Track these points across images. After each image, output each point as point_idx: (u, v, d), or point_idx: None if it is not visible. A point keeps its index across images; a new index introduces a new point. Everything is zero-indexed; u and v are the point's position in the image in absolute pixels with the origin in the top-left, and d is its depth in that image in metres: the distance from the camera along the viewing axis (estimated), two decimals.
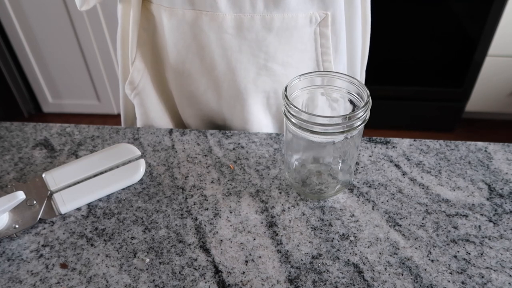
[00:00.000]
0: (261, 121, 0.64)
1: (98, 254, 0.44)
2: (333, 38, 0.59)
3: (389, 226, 0.46)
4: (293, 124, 0.42)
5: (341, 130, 0.41)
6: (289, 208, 0.48)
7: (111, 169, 0.51)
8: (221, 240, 0.45)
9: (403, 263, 0.42)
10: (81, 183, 0.49)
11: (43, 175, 0.49)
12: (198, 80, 0.61)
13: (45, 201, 0.48)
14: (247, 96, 0.61)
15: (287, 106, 0.42)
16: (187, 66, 0.60)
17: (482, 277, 0.41)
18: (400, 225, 0.46)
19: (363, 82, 0.71)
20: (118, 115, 1.98)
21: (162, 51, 0.62)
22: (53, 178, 0.49)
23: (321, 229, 0.46)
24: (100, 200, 0.50)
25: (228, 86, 0.60)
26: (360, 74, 0.69)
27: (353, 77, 0.45)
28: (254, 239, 0.45)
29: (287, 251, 0.44)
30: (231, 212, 0.48)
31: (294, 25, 0.55)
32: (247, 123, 0.63)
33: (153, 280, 0.42)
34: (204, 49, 0.57)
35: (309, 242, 0.45)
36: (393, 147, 0.55)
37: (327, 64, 0.60)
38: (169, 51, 0.60)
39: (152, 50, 0.63)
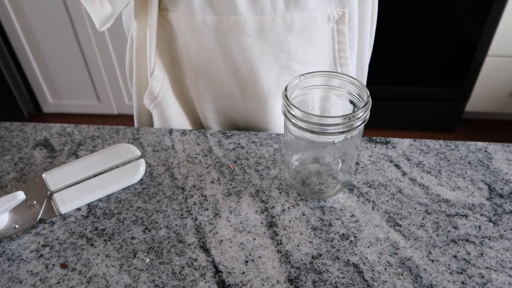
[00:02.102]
0: (283, 121, 0.64)
1: (98, 254, 0.44)
2: (349, 35, 0.60)
3: (389, 226, 0.46)
4: (293, 124, 0.42)
5: (341, 130, 0.41)
6: (289, 208, 0.48)
7: (111, 169, 0.51)
8: (221, 240, 0.45)
9: (403, 263, 0.42)
10: (81, 183, 0.49)
11: (43, 175, 0.49)
12: (222, 84, 0.62)
13: (45, 201, 0.48)
14: (270, 97, 0.61)
15: (287, 106, 0.42)
16: (209, 71, 0.60)
17: (482, 277, 0.41)
18: (400, 225, 0.46)
19: (367, 77, 0.71)
20: (118, 115, 1.98)
21: (181, 58, 0.61)
22: (53, 178, 0.49)
23: (321, 229, 0.46)
24: (100, 200, 0.50)
25: (251, 88, 0.61)
26: (366, 69, 0.71)
27: (353, 77, 0.45)
28: (254, 239, 0.45)
29: (287, 251, 0.44)
30: (231, 212, 0.48)
31: (313, 24, 0.56)
32: (269, 124, 0.64)
33: (153, 280, 0.42)
34: (227, 53, 0.58)
35: (309, 242, 0.45)
36: (393, 147, 0.55)
37: (344, 61, 0.61)
38: (191, 57, 0.60)
39: (170, 58, 0.63)
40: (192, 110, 0.68)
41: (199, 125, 0.71)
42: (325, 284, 0.41)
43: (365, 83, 0.68)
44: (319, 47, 0.59)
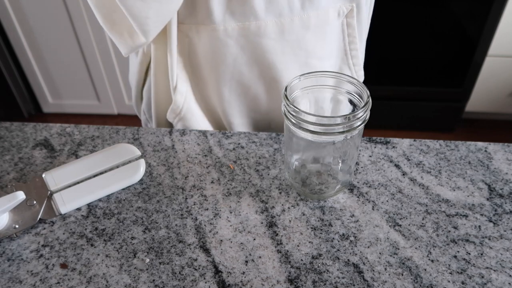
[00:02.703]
0: None
1: (98, 254, 0.44)
2: (358, 27, 0.62)
3: (389, 226, 0.46)
4: (293, 124, 0.42)
5: (341, 130, 0.41)
6: (289, 208, 0.48)
7: (111, 169, 0.51)
8: (221, 240, 0.45)
9: (403, 263, 0.42)
10: (81, 183, 0.49)
11: (43, 175, 0.49)
12: (247, 87, 0.63)
13: (45, 201, 0.48)
14: None
15: (287, 106, 0.42)
16: (234, 77, 0.61)
17: (482, 277, 0.41)
18: (400, 225, 0.46)
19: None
20: (118, 115, 1.98)
21: (202, 68, 0.62)
22: (53, 178, 0.49)
23: (321, 229, 0.46)
24: (100, 200, 0.50)
25: (275, 88, 0.62)
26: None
27: (353, 77, 0.45)
28: (254, 239, 0.45)
29: (287, 251, 0.44)
30: (231, 212, 0.48)
31: (326, 20, 0.58)
32: None
33: (153, 280, 0.42)
34: (250, 58, 0.59)
35: (309, 242, 0.45)
36: (393, 147, 0.55)
37: (354, 52, 0.64)
38: (213, 66, 0.61)
39: (191, 70, 0.64)
40: (216, 118, 0.69)
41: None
42: (325, 284, 0.41)
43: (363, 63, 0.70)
44: (332, 41, 0.62)
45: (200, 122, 0.66)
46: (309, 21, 0.57)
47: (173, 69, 0.60)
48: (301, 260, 0.43)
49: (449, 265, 0.42)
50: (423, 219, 0.46)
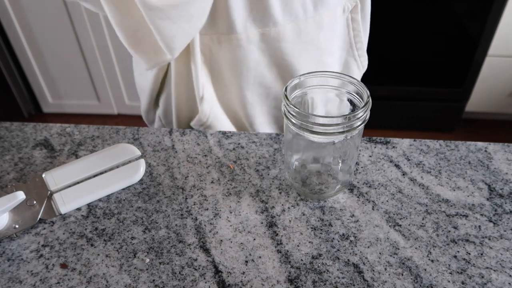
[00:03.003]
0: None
1: (98, 254, 0.44)
2: (362, 21, 0.66)
3: (389, 226, 0.46)
4: (293, 124, 0.42)
5: (341, 130, 0.41)
6: (289, 208, 0.48)
7: (111, 169, 0.51)
8: (221, 240, 0.45)
9: (403, 263, 0.42)
10: (81, 183, 0.49)
11: (43, 175, 0.49)
12: (268, 88, 0.65)
13: (45, 201, 0.48)
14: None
15: (287, 106, 0.42)
16: (256, 80, 0.63)
17: (482, 277, 0.41)
18: (400, 225, 0.46)
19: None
20: (118, 115, 1.98)
21: (224, 75, 0.64)
22: (53, 178, 0.49)
23: (321, 229, 0.46)
24: (100, 200, 0.50)
25: None
26: None
27: (353, 77, 0.45)
28: (254, 239, 0.45)
29: (287, 251, 0.44)
30: (231, 212, 0.48)
31: (335, 18, 0.62)
32: None
33: (153, 280, 0.42)
34: (270, 61, 0.62)
35: (309, 242, 0.45)
36: (393, 147, 0.55)
37: (359, 45, 0.68)
38: (236, 72, 0.62)
39: (212, 79, 0.65)
40: (237, 120, 0.71)
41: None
42: (325, 284, 0.41)
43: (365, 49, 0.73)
44: (339, 36, 0.65)
45: (226, 126, 0.68)
46: (321, 21, 0.60)
47: (198, 81, 0.62)
48: (301, 260, 0.43)
49: (449, 265, 0.42)
50: (423, 219, 0.46)
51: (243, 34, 0.58)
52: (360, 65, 0.70)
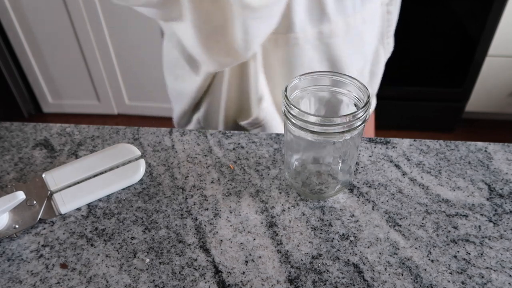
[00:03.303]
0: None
1: (98, 254, 0.44)
2: (394, 13, 0.70)
3: (389, 226, 0.46)
4: (293, 124, 0.42)
5: (341, 130, 0.41)
6: (289, 208, 0.48)
7: (111, 169, 0.51)
8: (221, 240, 0.45)
9: (403, 263, 0.42)
10: (81, 183, 0.49)
11: (43, 175, 0.49)
12: (319, 81, 0.68)
13: (45, 201, 0.48)
14: None
15: (287, 106, 0.42)
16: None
17: (482, 277, 0.41)
18: (400, 225, 0.46)
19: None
20: (118, 115, 1.98)
21: (275, 74, 0.66)
22: (53, 178, 0.49)
23: (321, 229, 0.46)
24: (100, 200, 0.50)
25: None
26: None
27: (353, 77, 0.45)
28: (254, 239, 0.45)
29: (287, 251, 0.44)
30: (231, 212, 0.48)
31: (376, 12, 0.67)
32: None
33: (153, 280, 0.42)
34: (323, 57, 0.64)
35: (309, 242, 0.45)
36: (393, 147, 0.55)
37: (390, 33, 0.74)
38: (289, 70, 0.65)
39: (267, 78, 0.66)
40: None
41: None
42: (325, 284, 0.41)
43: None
44: (377, 28, 0.70)
45: (279, 126, 0.70)
46: (365, 15, 0.64)
47: (258, 81, 0.64)
48: (301, 260, 0.43)
49: (449, 265, 0.42)
50: (423, 219, 0.46)
51: (301, 33, 0.60)
52: (386, 51, 0.74)
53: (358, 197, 0.49)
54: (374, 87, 0.78)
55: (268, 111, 0.67)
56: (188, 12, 0.49)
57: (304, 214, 0.47)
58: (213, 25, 0.52)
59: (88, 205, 0.49)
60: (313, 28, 0.61)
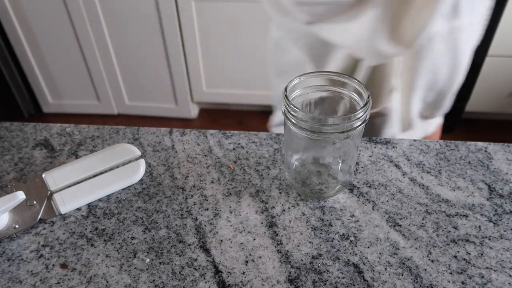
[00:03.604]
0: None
1: (98, 254, 0.44)
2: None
3: (389, 226, 0.46)
4: (293, 124, 0.42)
5: (341, 130, 0.41)
6: (289, 208, 0.48)
7: (111, 169, 0.51)
8: (221, 240, 0.45)
9: (403, 263, 0.42)
10: (81, 183, 0.49)
11: (43, 175, 0.49)
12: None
13: (45, 201, 0.48)
14: None
15: (287, 106, 0.42)
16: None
17: (482, 277, 0.41)
18: (400, 225, 0.46)
19: None
20: (118, 115, 1.98)
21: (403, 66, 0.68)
22: (53, 178, 0.49)
23: (321, 229, 0.46)
24: (100, 200, 0.50)
25: None
26: None
27: (353, 77, 0.45)
28: (254, 239, 0.45)
29: (287, 251, 0.44)
30: (231, 212, 0.48)
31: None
32: None
33: (153, 280, 0.42)
34: (448, 52, 0.68)
35: (309, 242, 0.45)
36: (393, 147, 0.55)
37: None
38: (419, 66, 0.67)
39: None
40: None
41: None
42: (325, 284, 0.41)
43: None
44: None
45: (398, 120, 0.72)
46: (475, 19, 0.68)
47: (397, 72, 0.66)
48: (301, 260, 0.43)
49: (449, 265, 0.42)
50: (423, 219, 0.46)
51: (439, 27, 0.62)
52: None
53: (358, 197, 0.49)
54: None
55: (395, 103, 0.69)
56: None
57: (304, 214, 0.47)
58: (402, 23, 0.56)
59: (88, 205, 0.49)
60: (448, 23, 0.62)
